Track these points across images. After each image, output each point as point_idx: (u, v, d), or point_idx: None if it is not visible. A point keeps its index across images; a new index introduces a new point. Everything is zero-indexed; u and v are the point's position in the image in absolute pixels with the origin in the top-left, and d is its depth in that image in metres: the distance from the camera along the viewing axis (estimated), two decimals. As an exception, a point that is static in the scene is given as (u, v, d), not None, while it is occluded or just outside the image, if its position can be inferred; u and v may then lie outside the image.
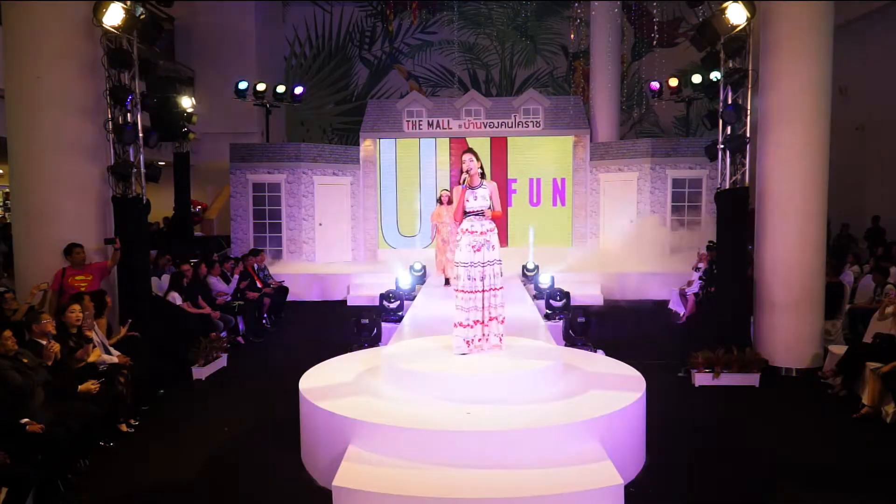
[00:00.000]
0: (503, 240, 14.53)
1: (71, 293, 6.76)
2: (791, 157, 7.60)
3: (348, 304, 12.34)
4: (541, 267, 11.41)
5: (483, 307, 5.43)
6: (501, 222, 14.64)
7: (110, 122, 7.62)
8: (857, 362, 6.45)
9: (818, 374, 7.34)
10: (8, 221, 11.75)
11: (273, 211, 14.38)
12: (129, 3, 7.51)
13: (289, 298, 11.49)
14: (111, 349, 6.40)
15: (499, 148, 15.06)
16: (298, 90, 15.90)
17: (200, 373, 7.53)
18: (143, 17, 7.80)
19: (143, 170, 8.01)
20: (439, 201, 10.86)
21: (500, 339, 5.53)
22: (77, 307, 5.95)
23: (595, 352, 7.07)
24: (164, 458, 5.33)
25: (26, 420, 4.49)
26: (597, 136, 16.10)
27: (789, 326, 7.66)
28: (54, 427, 4.56)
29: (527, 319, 7.86)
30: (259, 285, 10.63)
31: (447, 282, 10.07)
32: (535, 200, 15.22)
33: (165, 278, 9.35)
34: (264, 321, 10.19)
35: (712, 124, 8.42)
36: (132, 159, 7.86)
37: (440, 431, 4.33)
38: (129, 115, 7.81)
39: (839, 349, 7.05)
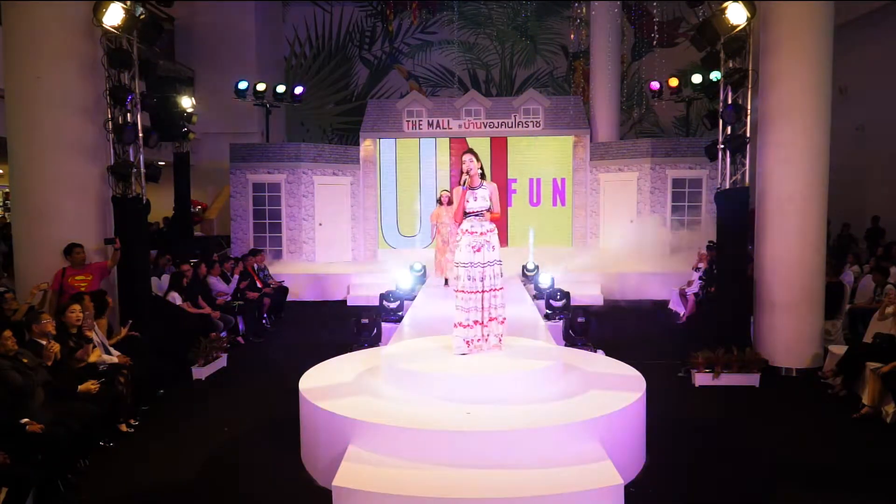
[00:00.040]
0: (503, 240, 14.48)
1: (71, 293, 6.76)
2: (791, 157, 7.60)
3: (348, 304, 12.34)
4: (541, 267, 11.41)
5: (483, 308, 5.43)
6: (501, 222, 14.63)
7: (110, 122, 7.62)
8: (857, 362, 6.46)
9: (818, 374, 7.34)
10: (8, 221, 11.75)
11: (273, 211, 14.38)
12: (129, 3, 7.51)
13: (289, 298, 11.50)
14: (111, 349, 6.40)
15: (499, 148, 15.06)
16: (298, 90, 15.90)
17: (200, 373, 7.53)
18: (143, 17, 7.80)
19: (143, 170, 8.01)
20: (439, 202, 10.87)
21: (500, 340, 5.53)
22: (77, 307, 5.96)
23: (595, 352, 7.07)
24: (164, 458, 5.33)
25: (26, 420, 4.49)
26: (597, 136, 16.10)
27: (789, 326, 7.66)
28: (54, 427, 4.56)
29: (527, 319, 7.86)
30: (259, 285, 10.63)
31: (446, 282, 10.07)
32: (535, 200, 15.22)
33: (165, 278, 9.36)
34: (264, 321, 10.19)
35: (712, 124, 8.43)
36: (132, 159, 7.86)
37: (440, 431, 4.33)
38: (129, 115, 7.81)
39: (839, 349, 7.05)
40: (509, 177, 15.09)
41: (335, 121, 20.22)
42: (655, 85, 15.32)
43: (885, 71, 13.67)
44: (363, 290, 12.43)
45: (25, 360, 4.89)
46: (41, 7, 7.22)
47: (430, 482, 4.04)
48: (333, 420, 4.60)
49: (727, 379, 7.09)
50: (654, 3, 18.68)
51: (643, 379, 5.32)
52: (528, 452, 4.27)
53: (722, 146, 7.96)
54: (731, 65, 7.81)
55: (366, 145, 14.91)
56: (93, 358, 5.91)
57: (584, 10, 18.08)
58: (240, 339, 9.29)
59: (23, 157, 7.42)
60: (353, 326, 7.59)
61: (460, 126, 14.89)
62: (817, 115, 7.55)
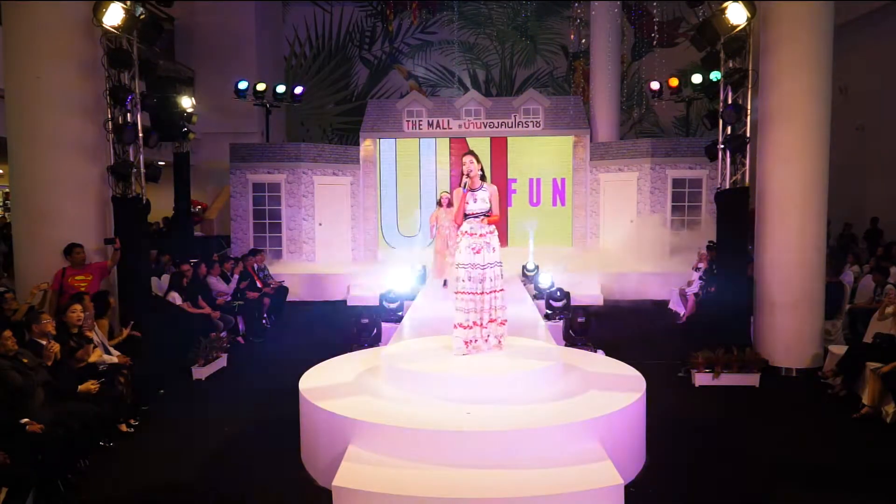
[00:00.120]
0: (503, 240, 14.51)
1: (71, 293, 6.76)
2: (791, 157, 7.60)
3: (348, 304, 12.34)
4: (541, 267, 11.41)
5: (483, 309, 5.43)
6: (501, 222, 14.62)
7: (110, 122, 7.63)
8: (857, 362, 6.45)
9: (818, 374, 7.34)
10: (8, 221, 11.75)
11: (273, 211, 14.38)
12: (129, 3, 7.52)
13: (289, 298, 11.49)
14: (111, 349, 6.41)
15: (499, 148, 15.06)
16: (298, 90, 15.90)
17: (200, 373, 7.53)
18: (143, 17, 7.81)
19: (143, 170, 8.02)
20: (439, 203, 10.84)
21: (500, 341, 5.53)
22: (78, 307, 5.96)
23: (595, 352, 7.07)
24: (164, 458, 5.33)
25: (26, 420, 4.49)
26: (597, 136, 16.10)
27: (789, 326, 7.66)
28: (54, 427, 4.56)
29: (527, 319, 7.85)
30: (259, 285, 10.63)
31: (445, 284, 10.07)
32: (534, 200, 15.22)
33: (165, 278, 9.36)
34: (264, 321, 10.18)
35: (712, 124, 8.43)
36: (132, 159, 7.86)
37: (440, 431, 4.33)
38: (129, 115, 7.82)
39: (839, 349, 7.05)
40: (509, 177, 15.09)
41: (335, 121, 20.23)
42: (655, 85, 15.33)
43: (885, 71, 13.67)
44: (363, 290, 12.42)
45: (25, 360, 4.89)
46: (41, 7, 7.22)
47: (430, 482, 4.04)
48: (333, 420, 4.60)
49: (727, 379, 7.09)
50: (654, 3, 18.68)
51: (643, 379, 5.32)
52: (528, 452, 4.27)
53: (722, 146, 7.96)
54: (731, 65, 7.82)
55: (366, 145, 14.91)
56: (93, 358, 5.91)
57: (583, 10, 18.07)
58: (240, 339, 9.29)
59: (23, 157, 7.43)
60: (353, 326, 7.59)
61: (460, 126, 14.88)
62: (817, 115, 7.55)
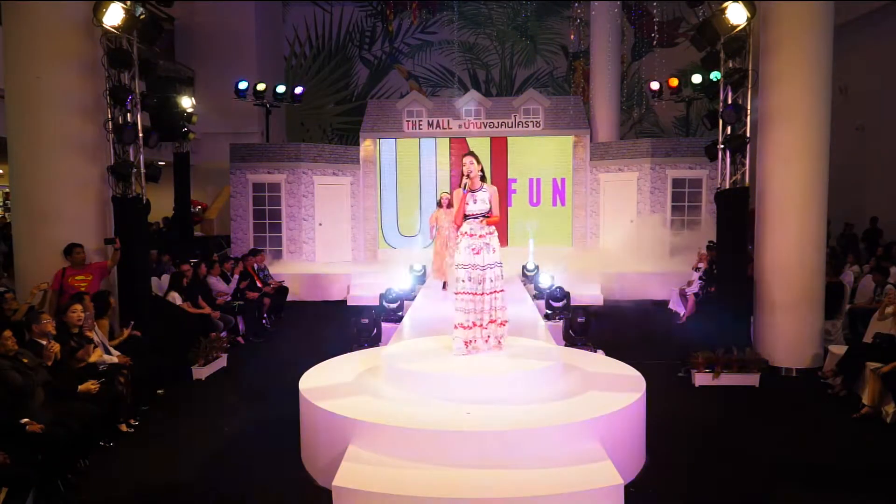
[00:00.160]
0: (503, 240, 14.53)
1: (71, 293, 6.76)
2: (791, 157, 7.60)
3: (348, 304, 12.34)
4: (541, 267, 11.41)
5: (483, 310, 5.43)
6: (501, 222, 14.63)
7: (110, 122, 7.62)
8: (857, 362, 6.46)
9: (818, 374, 7.34)
10: (8, 221, 11.75)
11: (273, 211, 14.37)
12: (129, 3, 7.51)
13: (289, 298, 11.49)
14: (111, 349, 6.40)
15: (499, 148, 15.06)
16: (298, 90, 15.89)
17: (200, 373, 7.53)
18: (143, 17, 7.80)
19: (143, 170, 8.01)
20: (439, 204, 10.83)
21: (500, 342, 5.53)
22: (79, 307, 5.96)
23: (595, 352, 7.07)
24: (164, 458, 5.33)
25: (26, 420, 4.49)
26: (597, 136, 16.11)
27: (789, 326, 7.66)
28: (54, 427, 4.56)
29: (527, 319, 7.85)
30: (259, 285, 10.63)
31: (444, 286, 10.07)
32: (535, 200, 15.22)
33: (165, 278, 9.36)
34: (264, 321, 10.19)
35: (712, 124, 8.42)
36: (132, 159, 7.86)
37: (440, 431, 4.33)
38: (129, 115, 7.81)
39: (839, 349, 7.05)
40: (509, 177, 15.09)
41: (335, 121, 20.23)
42: (655, 85, 15.33)
43: (885, 71, 13.67)
44: (363, 290, 12.42)
45: (25, 360, 4.89)
46: (41, 7, 7.22)
47: (430, 482, 4.04)
48: (333, 420, 4.60)
49: (727, 379, 7.09)
50: (654, 3, 18.69)
51: (643, 379, 5.32)
52: (528, 452, 4.27)
53: (722, 146, 7.96)
54: (731, 65, 7.81)
55: (366, 145, 14.91)
56: (93, 358, 5.91)
57: (583, 10, 18.08)
58: (240, 339, 9.28)
59: (23, 157, 7.43)
60: (353, 326, 7.58)
61: (460, 126, 14.88)
62: (817, 115, 7.55)
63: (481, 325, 5.44)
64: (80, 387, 5.27)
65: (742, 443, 5.62)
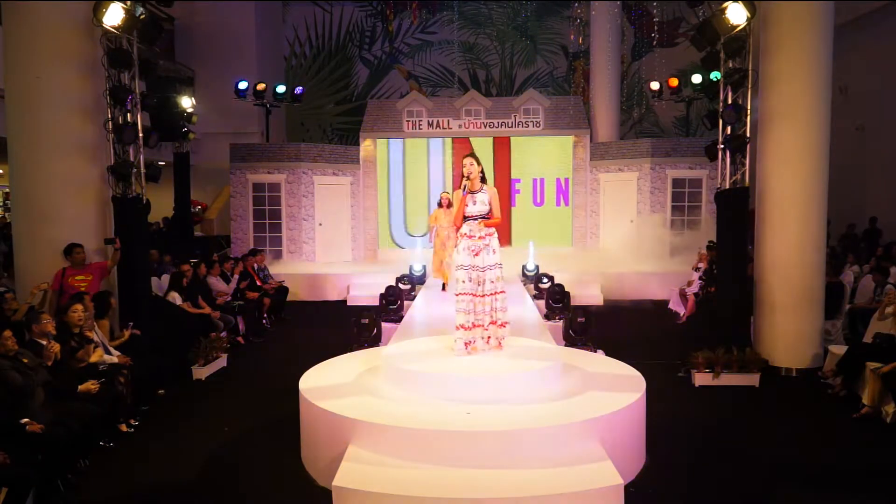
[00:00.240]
0: (506, 239, 14.61)
1: (71, 293, 6.76)
2: (791, 157, 7.60)
3: (348, 304, 12.33)
4: (541, 267, 11.42)
5: (483, 311, 5.43)
6: (504, 222, 14.66)
7: (110, 122, 7.62)
8: (857, 362, 6.45)
9: (818, 374, 7.34)
10: (8, 221, 11.75)
11: (273, 211, 14.38)
12: (129, 3, 7.51)
13: (289, 298, 11.49)
14: (111, 349, 6.40)
15: (502, 148, 15.08)
16: (298, 90, 15.89)
17: (200, 373, 7.53)
18: (143, 17, 7.80)
19: (143, 170, 8.01)
20: (439, 204, 10.85)
21: (500, 343, 5.53)
22: (79, 307, 5.96)
23: (595, 352, 7.07)
24: (164, 458, 5.34)
25: (26, 420, 4.49)
26: (597, 136, 16.11)
27: (789, 326, 7.65)
28: (54, 427, 4.56)
29: (527, 319, 7.86)
30: (259, 285, 10.63)
31: (444, 287, 10.08)
32: (538, 200, 15.24)
33: (165, 278, 9.36)
34: (264, 321, 10.19)
35: (712, 124, 8.42)
36: (132, 159, 7.86)
37: (440, 431, 4.33)
38: (129, 115, 7.81)
39: (839, 349, 7.05)
40: (513, 177, 15.12)
41: (335, 121, 20.23)
42: (655, 85, 15.32)
43: (885, 71, 13.68)
44: (363, 290, 12.42)
45: (25, 360, 4.89)
46: (41, 7, 7.22)
47: (430, 482, 4.05)
48: (333, 420, 4.60)
49: (727, 379, 7.09)
50: (654, 3, 18.69)
51: (643, 379, 5.32)
52: (528, 452, 4.27)
53: (722, 146, 7.96)
54: (731, 65, 7.81)
55: (366, 145, 14.91)
56: (94, 358, 5.91)
57: (583, 10, 18.08)
58: (240, 339, 9.28)
59: (23, 158, 7.42)
60: (353, 326, 7.58)
61: (460, 126, 14.89)
62: (817, 115, 7.55)
63: (483, 326, 5.44)
64: (80, 387, 5.27)
65: (742, 443, 5.62)
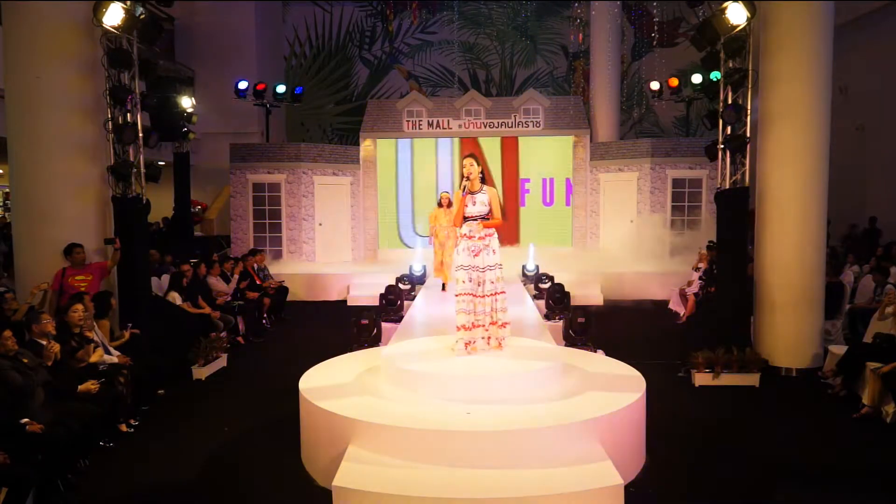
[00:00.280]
0: (514, 238, 14.64)
1: (71, 293, 6.76)
2: (791, 157, 7.60)
3: (348, 304, 12.33)
4: (541, 267, 11.42)
5: (484, 311, 5.43)
6: (511, 221, 14.71)
7: (110, 122, 7.62)
8: (857, 362, 6.45)
9: (818, 374, 7.34)
10: (8, 221, 11.75)
11: (273, 211, 14.38)
12: (129, 3, 7.51)
13: (289, 298, 11.49)
14: (111, 349, 6.40)
15: (510, 148, 15.09)
16: (298, 90, 15.89)
17: (200, 373, 7.53)
18: (143, 17, 7.80)
19: (143, 170, 8.01)
20: (439, 204, 10.85)
21: (500, 343, 5.53)
22: (80, 307, 5.96)
23: (595, 352, 7.07)
24: (164, 458, 5.34)
25: (26, 420, 4.49)
26: (597, 136, 16.11)
27: (789, 326, 7.66)
28: (54, 427, 4.56)
29: (527, 319, 7.86)
30: (259, 284, 10.63)
31: (444, 287, 10.08)
32: (548, 200, 15.27)
33: (165, 278, 9.35)
34: (264, 321, 10.19)
35: (712, 124, 8.42)
36: (132, 159, 7.86)
37: (440, 431, 4.33)
38: (129, 115, 7.81)
39: (839, 349, 7.05)
40: (521, 177, 15.17)
41: (335, 121, 20.23)
42: (655, 85, 15.32)
43: (885, 71, 13.67)
44: (363, 290, 12.42)
45: (25, 360, 4.89)
46: (41, 7, 7.22)
47: (430, 482, 4.05)
48: (333, 420, 4.60)
49: (727, 379, 7.09)
50: (654, 3, 18.69)
51: (643, 379, 5.32)
52: (528, 452, 4.27)
53: (722, 146, 7.96)
54: (731, 65, 7.81)
55: (366, 145, 14.91)
56: (94, 358, 5.91)
57: (583, 10, 18.08)
58: (240, 339, 9.28)
59: (23, 157, 7.42)
60: (353, 326, 7.58)
61: (460, 126, 14.89)
62: (817, 115, 7.55)
63: (483, 327, 5.44)
64: (80, 387, 5.27)
65: (742, 443, 5.62)
